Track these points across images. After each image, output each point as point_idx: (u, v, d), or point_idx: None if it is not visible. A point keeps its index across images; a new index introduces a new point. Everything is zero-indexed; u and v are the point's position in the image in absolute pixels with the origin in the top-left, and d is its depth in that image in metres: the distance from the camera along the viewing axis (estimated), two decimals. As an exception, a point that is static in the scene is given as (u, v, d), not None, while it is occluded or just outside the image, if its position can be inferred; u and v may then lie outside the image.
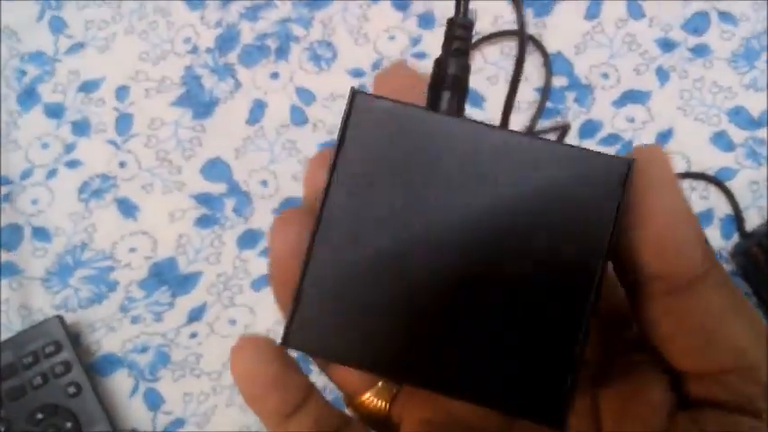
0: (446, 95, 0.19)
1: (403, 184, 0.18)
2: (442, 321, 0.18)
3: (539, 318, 0.18)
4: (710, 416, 0.18)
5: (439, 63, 0.20)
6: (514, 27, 0.54)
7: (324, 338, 0.18)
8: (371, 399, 0.22)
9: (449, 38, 0.20)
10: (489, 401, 0.18)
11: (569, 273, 0.18)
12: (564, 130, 0.48)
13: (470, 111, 0.52)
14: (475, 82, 0.53)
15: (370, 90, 0.20)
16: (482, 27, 0.54)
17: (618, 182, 0.18)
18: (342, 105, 0.53)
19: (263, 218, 0.50)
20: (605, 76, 0.53)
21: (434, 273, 0.18)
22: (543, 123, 0.51)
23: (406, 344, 0.18)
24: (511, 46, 0.54)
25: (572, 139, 0.51)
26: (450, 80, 0.19)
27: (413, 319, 0.18)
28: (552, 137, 0.51)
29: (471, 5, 0.20)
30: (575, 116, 0.52)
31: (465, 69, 0.20)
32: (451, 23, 0.20)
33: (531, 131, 0.50)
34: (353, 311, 0.18)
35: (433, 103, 0.19)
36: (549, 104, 0.52)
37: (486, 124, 0.19)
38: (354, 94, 0.19)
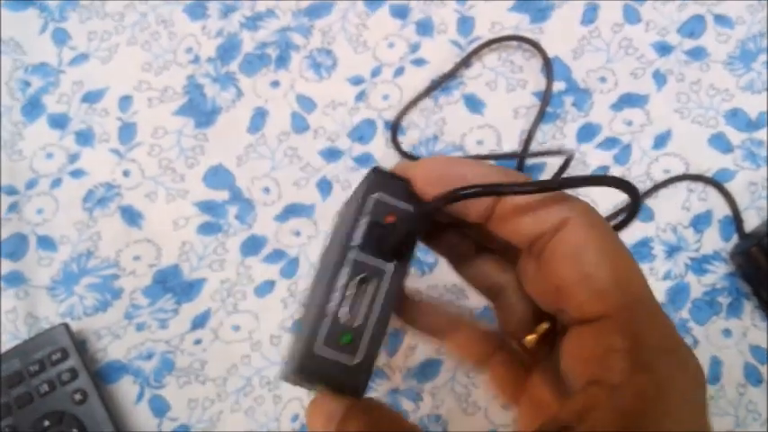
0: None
1: None
2: None
3: None
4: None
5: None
6: (512, 33, 0.54)
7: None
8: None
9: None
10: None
11: None
12: (567, 160, 0.48)
13: (471, 116, 0.53)
14: (475, 87, 0.53)
15: None
16: (480, 33, 0.54)
17: None
18: (342, 113, 0.53)
19: (265, 224, 0.51)
20: (603, 79, 0.53)
21: None
22: (543, 128, 0.52)
23: None
24: (509, 51, 0.54)
25: (571, 142, 0.52)
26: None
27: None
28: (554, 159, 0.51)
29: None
30: (573, 120, 0.52)
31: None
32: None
33: (525, 152, 0.51)
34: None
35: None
36: (548, 109, 0.52)
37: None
38: None
